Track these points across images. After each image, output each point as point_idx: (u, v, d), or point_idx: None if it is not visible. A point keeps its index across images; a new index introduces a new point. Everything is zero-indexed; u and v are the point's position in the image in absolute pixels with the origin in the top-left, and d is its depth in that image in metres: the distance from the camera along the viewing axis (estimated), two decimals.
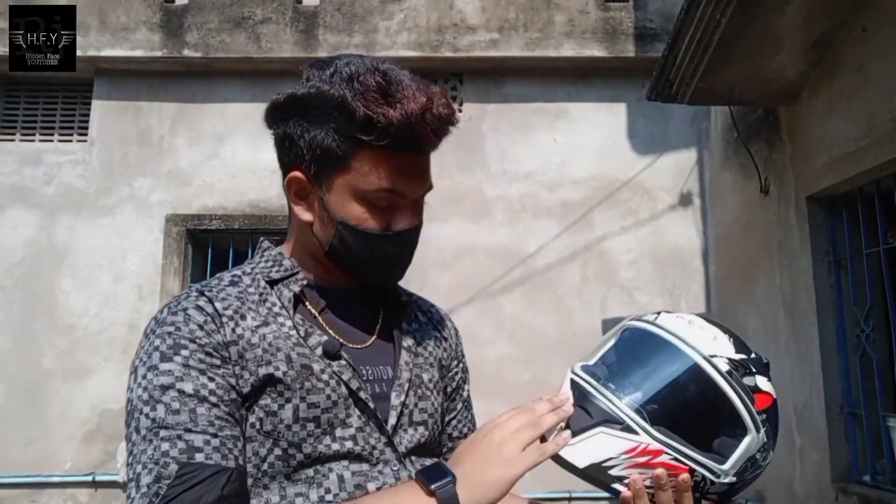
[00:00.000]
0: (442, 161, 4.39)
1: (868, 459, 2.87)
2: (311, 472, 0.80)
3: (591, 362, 0.88)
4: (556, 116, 4.40)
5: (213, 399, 0.76)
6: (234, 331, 0.81)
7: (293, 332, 0.84)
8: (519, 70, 4.40)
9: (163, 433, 0.73)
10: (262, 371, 0.79)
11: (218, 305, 0.82)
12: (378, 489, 0.82)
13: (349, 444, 0.82)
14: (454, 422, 1.03)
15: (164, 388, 0.75)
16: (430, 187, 0.90)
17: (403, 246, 0.90)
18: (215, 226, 4.21)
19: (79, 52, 4.09)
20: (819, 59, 2.97)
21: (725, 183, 4.05)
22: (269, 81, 4.43)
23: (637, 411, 0.80)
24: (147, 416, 0.74)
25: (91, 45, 4.24)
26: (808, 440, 3.17)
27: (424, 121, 0.80)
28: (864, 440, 2.88)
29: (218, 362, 0.78)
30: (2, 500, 4.02)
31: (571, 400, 0.80)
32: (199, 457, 0.73)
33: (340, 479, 0.81)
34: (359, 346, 0.90)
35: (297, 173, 0.87)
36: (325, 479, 0.80)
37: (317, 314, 0.90)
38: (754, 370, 0.84)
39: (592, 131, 4.40)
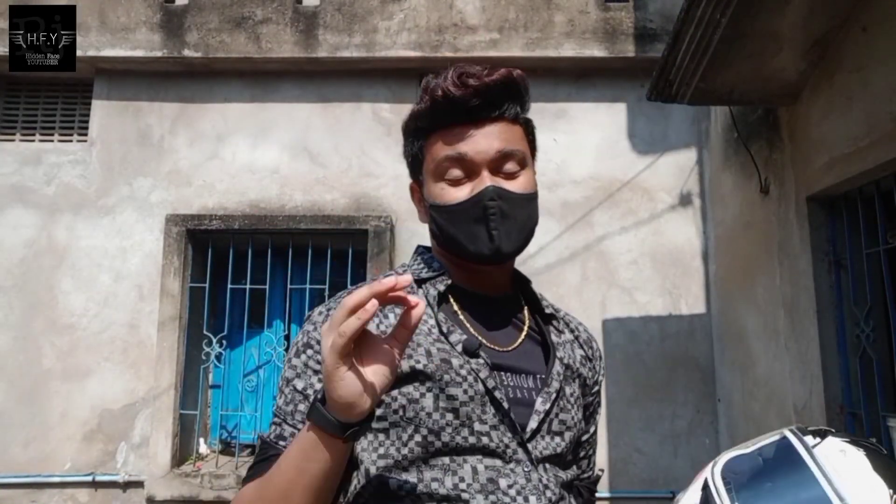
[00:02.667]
0: None
1: None
2: (447, 460, 0.85)
3: (735, 455, 0.85)
4: (556, 116, 4.40)
5: (315, 396, 0.85)
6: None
7: (435, 330, 0.91)
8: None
9: (275, 419, 0.89)
10: (405, 364, 0.86)
11: None
12: (509, 486, 0.85)
13: (485, 440, 0.86)
14: (585, 443, 1.06)
15: (288, 381, 0.90)
16: (506, 150, 0.92)
17: (482, 209, 0.90)
18: (215, 226, 4.21)
19: (79, 52, 4.09)
20: (819, 59, 2.97)
21: (725, 183, 4.05)
22: (269, 81, 4.43)
23: None
24: (276, 399, 0.91)
25: (91, 45, 4.24)
26: None
27: (457, 86, 0.90)
28: None
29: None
30: (2, 500, 4.02)
31: (394, 283, 0.71)
32: (282, 444, 0.85)
33: (474, 470, 0.85)
34: (499, 350, 0.94)
35: (411, 183, 1.03)
36: (460, 468, 0.85)
37: (459, 313, 0.95)
38: None
39: (592, 131, 4.40)
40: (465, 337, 0.91)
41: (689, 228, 4.31)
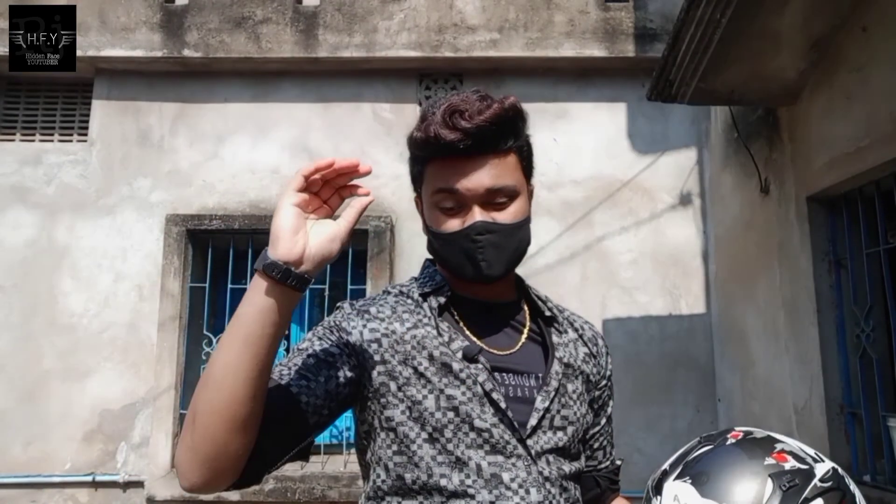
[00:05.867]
0: None
1: (868, 459, 2.87)
2: (453, 458, 0.91)
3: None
4: (556, 116, 4.40)
5: (308, 352, 0.94)
6: (386, 328, 0.98)
7: (438, 337, 0.98)
8: (519, 70, 4.40)
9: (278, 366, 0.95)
10: (409, 365, 0.95)
11: (372, 309, 1.01)
12: (512, 480, 0.92)
13: (485, 436, 0.92)
14: (597, 435, 1.13)
15: (299, 348, 0.97)
16: (495, 186, 0.96)
17: (470, 242, 0.97)
18: (215, 226, 4.21)
19: (79, 52, 4.09)
20: (819, 59, 2.97)
21: (725, 183, 4.05)
22: (269, 81, 4.43)
23: None
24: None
25: (91, 45, 4.24)
26: (808, 440, 3.16)
27: (447, 126, 0.93)
28: (864, 440, 2.88)
29: (332, 337, 0.97)
30: (2, 500, 4.02)
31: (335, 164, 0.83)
32: (275, 374, 0.91)
33: (479, 467, 0.91)
34: (501, 353, 1.00)
35: (415, 197, 1.09)
36: (466, 465, 0.91)
37: (461, 322, 1.02)
38: None
39: (592, 131, 4.40)
40: (465, 344, 0.97)
41: (689, 228, 4.31)
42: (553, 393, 0.99)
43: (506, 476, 0.92)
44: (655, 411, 4.10)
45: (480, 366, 0.96)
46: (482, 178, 0.96)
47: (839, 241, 3.05)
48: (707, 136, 4.34)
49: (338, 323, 0.99)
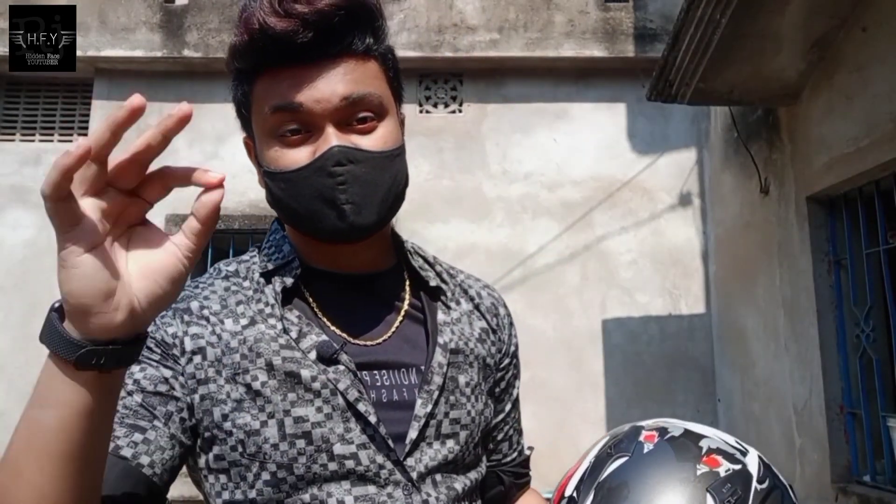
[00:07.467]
0: (442, 161, 4.39)
1: (868, 459, 2.87)
2: (307, 497, 0.68)
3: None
4: (556, 116, 4.40)
5: (130, 387, 0.68)
6: (210, 331, 0.72)
7: (283, 334, 0.72)
8: (519, 70, 4.40)
9: None
10: (239, 380, 0.69)
11: (193, 304, 0.74)
12: None
13: (350, 464, 0.69)
14: (500, 424, 0.89)
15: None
16: (352, 94, 0.70)
17: (326, 177, 0.69)
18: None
19: (79, 52, 4.09)
20: (819, 59, 2.97)
21: (725, 183, 4.05)
22: None
23: None
24: None
25: (91, 45, 4.24)
26: (808, 440, 3.17)
27: (279, 16, 0.67)
28: (864, 440, 2.88)
29: (155, 356, 0.70)
30: None
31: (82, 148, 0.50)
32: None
33: None
34: (370, 344, 0.75)
35: (245, 137, 0.81)
36: None
37: (316, 309, 0.76)
38: None
39: (592, 131, 4.40)
40: (320, 339, 0.72)
41: (689, 228, 4.31)
42: (437, 392, 0.74)
43: None
44: (655, 411, 4.10)
45: (342, 367, 0.71)
46: (335, 85, 0.70)
47: (839, 241, 3.05)
48: (707, 137, 4.34)
49: (153, 334, 0.71)
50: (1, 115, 4.45)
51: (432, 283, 0.82)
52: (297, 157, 0.70)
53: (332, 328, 0.75)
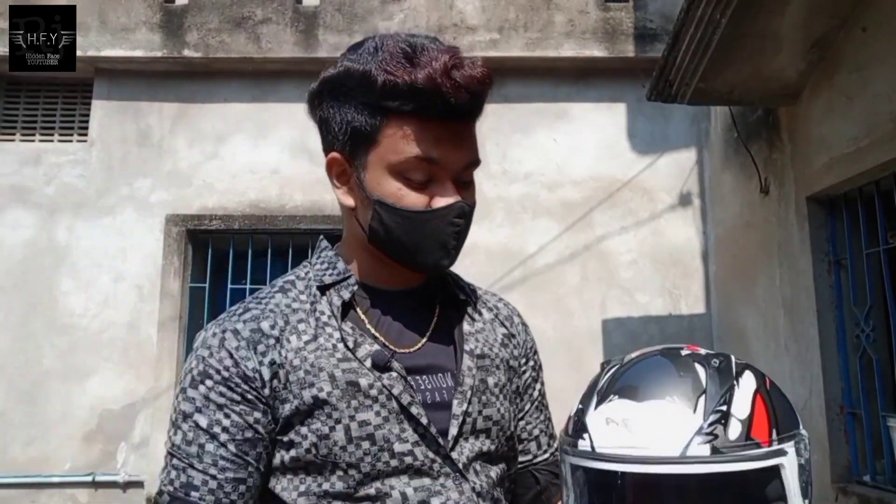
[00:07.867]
0: None
1: (868, 459, 2.87)
2: (372, 490, 0.78)
3: None
4: (556, 116, 4.40)
5: (224, 437, 0.77)
6: (280, 353, 0.80)
7: (340, 345, 0.81)
8: (519, 70, 4.40)
9: (174, 461, 0.80)
10: (307, 394, 0.78)
11: (264, 325, 0.81)
12: None
13: (408, 460, 0.79)
14: (522, 423, 0.97)
15: (186, 416, 0.79)
16: (475, 160, 0.84)
17: (447, 225, 0.81)
18: (215, 226, 4.21)
19: (79, 52, 4.08)
20: (819, 59, 2.97)
21: (725, 183, 4.05)
22: (269, 81, 4.43)
23: None
24: (170, 437, 0.81)
25: (91, 45, 4.24)
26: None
27: (452, 80, 0.75)
28: (864, 440, 2.88)
29: (238, 397, 0.78)
30: (2, 500, 4.02)
31: None
32: (195, 495, 0.78)
33: (403, 496, 0.78)
34: (411, 351, 0.85)
35: (335, 154, 0.85)
36: (388, 497, 0.78)
37: (366, 321, 0.86)
38: None
39: (592, 131, 4.40)
40: (374, 349, 0.82)
41: (689, 228, 4.31)
42: (469, 392, 0.85)
43: (435, 501, 0.79)
44: None
45: (395, 374, 0.81)
46: (464, 150, 0.82)
47: (839, 242, 3.05)
48: (707, 137, 4.34)
49: (231, 369, 0.79)
50: (1, 115, 4.44)
51: (462, 297, 0.93)
52: (418, 200, 0.80)
53: (381, 338, 0.85)
